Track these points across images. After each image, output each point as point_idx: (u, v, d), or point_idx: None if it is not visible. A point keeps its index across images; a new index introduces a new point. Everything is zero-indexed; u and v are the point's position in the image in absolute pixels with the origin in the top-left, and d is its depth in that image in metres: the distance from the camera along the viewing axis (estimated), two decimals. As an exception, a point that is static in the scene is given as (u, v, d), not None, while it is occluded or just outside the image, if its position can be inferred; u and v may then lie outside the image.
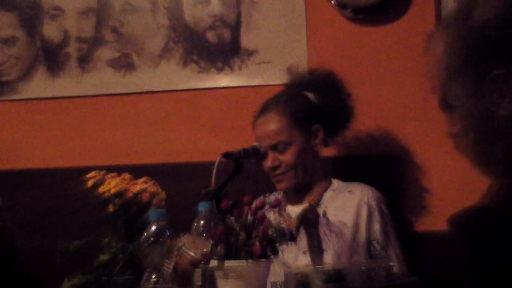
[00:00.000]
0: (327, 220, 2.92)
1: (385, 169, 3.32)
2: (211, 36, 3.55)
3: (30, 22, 3.70)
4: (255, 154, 2.80)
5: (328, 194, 3.00)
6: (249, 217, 2.11)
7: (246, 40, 3.51)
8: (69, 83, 3.66)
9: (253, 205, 2.13)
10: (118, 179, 2.48)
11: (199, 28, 3.56)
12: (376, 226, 2.91)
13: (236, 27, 3.52)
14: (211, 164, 2.53)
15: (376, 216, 2.92)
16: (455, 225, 1.42)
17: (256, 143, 2.85)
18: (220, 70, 3.53)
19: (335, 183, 3.04)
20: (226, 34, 3.53)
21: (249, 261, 2.05)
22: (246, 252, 2.07)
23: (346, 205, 2.94)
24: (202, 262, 2.11)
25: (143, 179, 2.52)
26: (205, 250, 2.11)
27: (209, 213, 2.29)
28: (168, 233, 2.05)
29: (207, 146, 3.44)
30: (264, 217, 2.11)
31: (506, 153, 1.53)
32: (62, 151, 3.63)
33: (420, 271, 2.83)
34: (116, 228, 2.38)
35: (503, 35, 1.54)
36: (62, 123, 3.66)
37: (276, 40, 3.47)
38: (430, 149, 3.24)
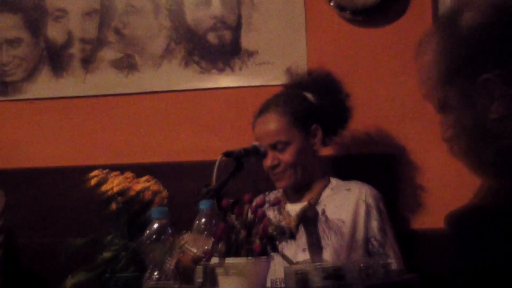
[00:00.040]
0: (326, 218, 2.92)
1: (383, 168, 3.32)
2: (212, 37, 3.55)
3: (35, 24, 3.70)
4: (255, 153, 2.81)
5: (326, 193, 3.00)
6: (250, 215, 2.11)
7: (247, 41, 3.51)
8: (73, 84, 3.66)
9: (254, 204, 2.13)
10: (120, 177, 2.48)
11: (200, 30, 3.56)
12: (374, 224, 2.91)
13: (236, 29, 3.52)
14: (212, 163, 2.54)
15: (374, 213, 2.92)
16: (451, 223, 1.42)
17: (256, 143, 2.85)
18: (221, 70, 3.53)
19: (334, 181, 3.04)
20: (227, 35, 3.53)
21: (250, 258, 2.05)
22: (247, 249, 2.07)
23: (345, 203, 2.94)
24: (204, 259, 2.11)
25: (145, 177, 2.52)
26: (206, 247, 2.11)
27: (210, 211, 2.29)
28: (170, 231, 2.05)
29: (208, 145, 3.44)
30: (264, 215, 2.11)
31: (497, 155, 1.53)
32: (65, 150, 3.63)
33: (416, 269, 2.83)
34: (119, 226, 2.38)
35: (492, 40, 1.54)
36: (66, 123, 3.66)
37: (276, 41, 3.48)
38: (427, 148, 3.24)
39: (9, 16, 3.72)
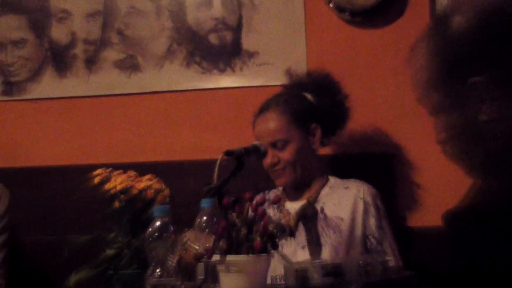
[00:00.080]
0: (325, 215, 2.92)
1: (381, 166, 3.32)
2: (213, 38, 3.55)
3: (39, 25, 3.70)
4: (256, 152, 2.81)
5: (325, 191, 3.00)
6: (250, 213, 2.11)
7: (247, 42, 3.51)
8: (76, 84, 3.66)
9: (254, 202, 2.13)
10: (123, 176, 2.47)
11: (201, 31, 3.56)
12: (372, 221, 2.91)
13: (237, 30, 3.52)
14: (213, 162, 2.54)
15: (372, 211, 2.92)
16: (447, 221, 1.42)
17: (256, 142, 2.85)
18: (222, 71, 3.53)
19: (332, 180, 3.04)
20: (228, 36, 3.53)
21: (250, 255, 2.05)
22: (247, 247, 2.06)
23: (343, 201, 2.95)
24: (205, 256, 2.11)
25: (148, 176, 2.52)
26: (207, 245, 2.11)
27: (211, 209, 2.29)
28: (172, 229, 2.05)
29: (209, 145, 3.44)
30: (264, 213, 2.10)
31: (486, 156, 1.54)
32: (69, 149, 3.63)
33: (414, 266, 2.82)
34: (121, 224, 2.38)
35: (481, 43, 1.55)
36: (70, 122, 3.66)
37: (276, 42, 3.48)
38: (424, 147, 3.24)
39: (14, 17, 3.72)
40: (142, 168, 2.63)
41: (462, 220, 1.40)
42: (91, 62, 3.65)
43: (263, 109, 3.02)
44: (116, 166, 2.56)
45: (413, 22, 3.28)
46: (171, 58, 3.58)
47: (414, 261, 3.01)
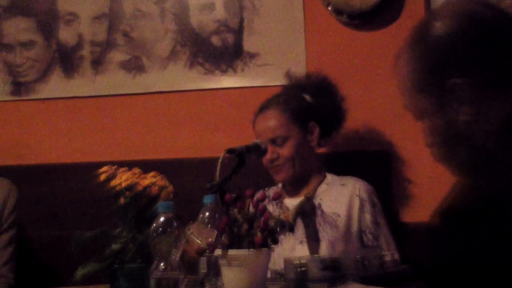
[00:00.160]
0: (322, 211, 2.92)
1: (376, 164, 3.32)
2: (215, 40, 3.55)
3: (47, 27, 3.70)
4: (257, 150, 2.80)
5: (322, 187, 3.00)
6: (251, 209, 2.11)
7: (248, 44, 3.51)
8: (83, 84, 3.66)
9: (255, 198, 2.13)
10: (129, 173, 2.47)
11: (204, 33, 3.55)
12: (368, 217, 2.91)
13: (239, 32, 3.52)
14: (215, 159, 2.53)
15: (368, 207, 2.93)
16: (435, 219, 1.43)
17: (257, 140, 2.85)
18: (224, 71, 3.53)
19: (329, 177, 3.04)
20: (230, 38, 3.53)
21: (251, 250, 2.05)
22: (248, 241, 2.06)
23: (340, 197, 2.95)
24: (208, 251, 2.11)
25: (152, 173, 2.51)
26: (210, 239, 2.11)
27: (213, 205, 2.29)
28: (175, 224, 2.04)
29: (212, 143, 3.44)
30: (265, 209, 2.10)
31: (470, 155, 1.54)
32: (76, 147, 3.63)
33: (407, 260, 2.82)
34: (127, 219, 2.37)
35: (459, 47, 1.55)
36: (77, 121, 3.65)
37: (276, 43, 3.47)
38: (417, 146, 3.23)
39: (23, 19, 3.72)
40: (146, 166, 2.62)
41: (448, 218, 1.41)
42: (97, 63, 3.65)
43: (263, 107, 3.02)
44: (121, 164, 2.55)
45: (409, 25, 3.23)
46: (174, 59, 3.58)
47: (407, 255, 3.00)
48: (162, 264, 2.00)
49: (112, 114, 3.63)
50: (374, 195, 2.97)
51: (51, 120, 3.67)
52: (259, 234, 2.06)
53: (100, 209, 2.51)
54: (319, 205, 2.93)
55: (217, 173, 2.49)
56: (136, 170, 2.51)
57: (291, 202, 2.96)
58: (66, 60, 3.67)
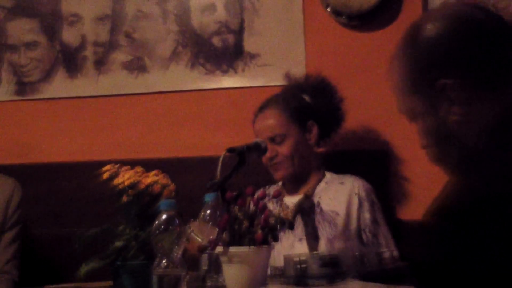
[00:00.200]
0: (321, 209, 2.92)
1: (374, 162, 3.32)
2: (216, 40, 3.55)
3: (51, 28, 3.70)
4: (257, 149, 2.80)
5: (321, 186, 3.00)
6: (252, 207, 2.11)
7: (249, 44, 3.51)
8: (86, 84, 3.66)
9: (255, 196, 2.13)
10: (131, 172, 2.47)
11: (205, 34, 3.55)
12: (367, 215, 2.91)
13: (239, 33, 3.52)
14: (216, 158, 2.53)
15: (366, 206, 2.92)
16: (427, 217, 1.43)
17: (258, 139, 2.85)
18: (224, 72, 3.53)
19: (328, 175, 3.04)
20: (230, 39, 3.53)
21: (252, 247, 2.05)
22: (249, 239, 2.06)
23: (338, 195, 2.95)
24: (209, 248, 2.11)
25: (155, 172, 2.51)
26: (211, 237, 2.11)
27: (215, 203, 2.29)
28: (177, 222, 2.04)
29: (213, 142, 3.44)
30: (265, 207, 2.10)
31: (460, 154, 1.54)
32: (79, 146, 3.63)
33: (405, 257, 2.82)
34: (129, 217, 2.37)
35: (449, 48, 1.56)
36: (80, 121, 3.65)
37: (276, 44, 3.47)
38: (413, 145, 3.21)
39: (27, 21, 3.72)
40: (149, 164, 2.62)
41: (439, 216, 1.41)
42: (100, 64, 3.65)
43: (263, 107, 3.03)
44: (124, 162, 2.55)
45: (407, 26, 3.26)
46: (176, 59, 3.58)
47: (404, 252, 3.01)
48: (164, 261, 2.00)
49: (114, 114, 3.63)
50: (372, 193, 2.97)
51: (54, 119, 3.67)
52: (259, 231, 2.06)
53: (103, 207, 2.51)
54: (318, 203, 2.93)
55: (218, 172, 2.49)
56: (139, 168, 2.51)
57: (291, 200, 2.96)
58: (70, 60, 3.67)
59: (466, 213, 1.33)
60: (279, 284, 2.30)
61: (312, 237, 2.88)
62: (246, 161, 2.64)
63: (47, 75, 3.69)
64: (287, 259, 2.30)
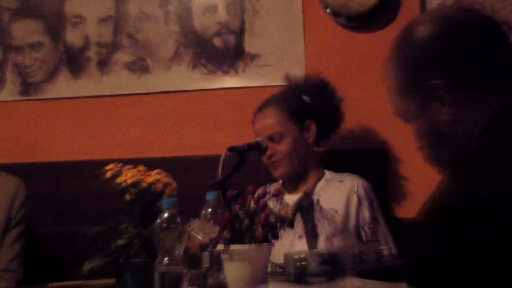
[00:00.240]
0: (320, 207, 2.92)
1: (373, 161, 3.32)
2: (217, 41, 3.55)
3: (54, 29, 3.70)
4: (257, 149, 2.81)
5: (321, 184, 3.00)
6: (252, 205, 2.12)
7: (249, 45, 3.51)
8: (89, 84, 3.66)
9: (256, 195, 2.14)
10: (134, 170, 2.46)
11: (207, 34, 3.55)
12: (366, 213, 2.92)
13: (240, 34, 3.52)
14: (217, 157, 2.53)
15: (365, 204, 2.93)
16: (423, 216, 1.43)
17: (258, 139, 2.86)
18: (226, 72, 3.53)
19: (328, 173, 3.04)
20: (231, 40, 3.53)
21: (252, 245, 2.05)
22: (250, 236, 2.07)
23: (337, 194, 2.95)
24: (210, 246, 2.11)
25: (157, 170, 2.51)
26: (212, 235, 2.11)
27: (216, 202, 2.29)
28: (179, 220, 2.04)
29: (214, 141, 3.44)
30: (265, 205, 2.11)
31: (453, 155, 1.54)
32: (82, 146, 3.63)
33: (404, 255, 2.82)
34: (132, 215, 2.37)
35: (440, 49, 1.56)
36: (83, 121, 3.66)
37: (276, 45, 3.47)
38: (411, 144, 3.22)
39: (31, 22, 3.72)
40: (151, 163, 2.62)
41: (431, 215, 1.41)
42: (103, 64, 3.65)
43: (262, 107, 3.03)
44: (126, 161, 2.55)
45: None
46: (178, 60, 3.58)
47: (401, 249, 3.00)
48: (166, 259, 2.00)
49: (117, 114, 3.63)
50: (371, 191, 2.97)
51: (58, 119, 3.68)
52: (260, 229, 2.06)
53: (106, 205, 2.52)
54: (318, 201, 2.94)
55: (219, 171, 2.49)
56: (141, 167, 2.51)
57: (291, 198, 2.97)
58: (73, 61, 3.68)
59: (458, 212, 1.33)
60: (279, 282, 2.30)
61: (312, 235, 2.88)
62: (246, 160, 2.64)
63: (51, 76, 3.69)
64: (287, 256, 2.31)
